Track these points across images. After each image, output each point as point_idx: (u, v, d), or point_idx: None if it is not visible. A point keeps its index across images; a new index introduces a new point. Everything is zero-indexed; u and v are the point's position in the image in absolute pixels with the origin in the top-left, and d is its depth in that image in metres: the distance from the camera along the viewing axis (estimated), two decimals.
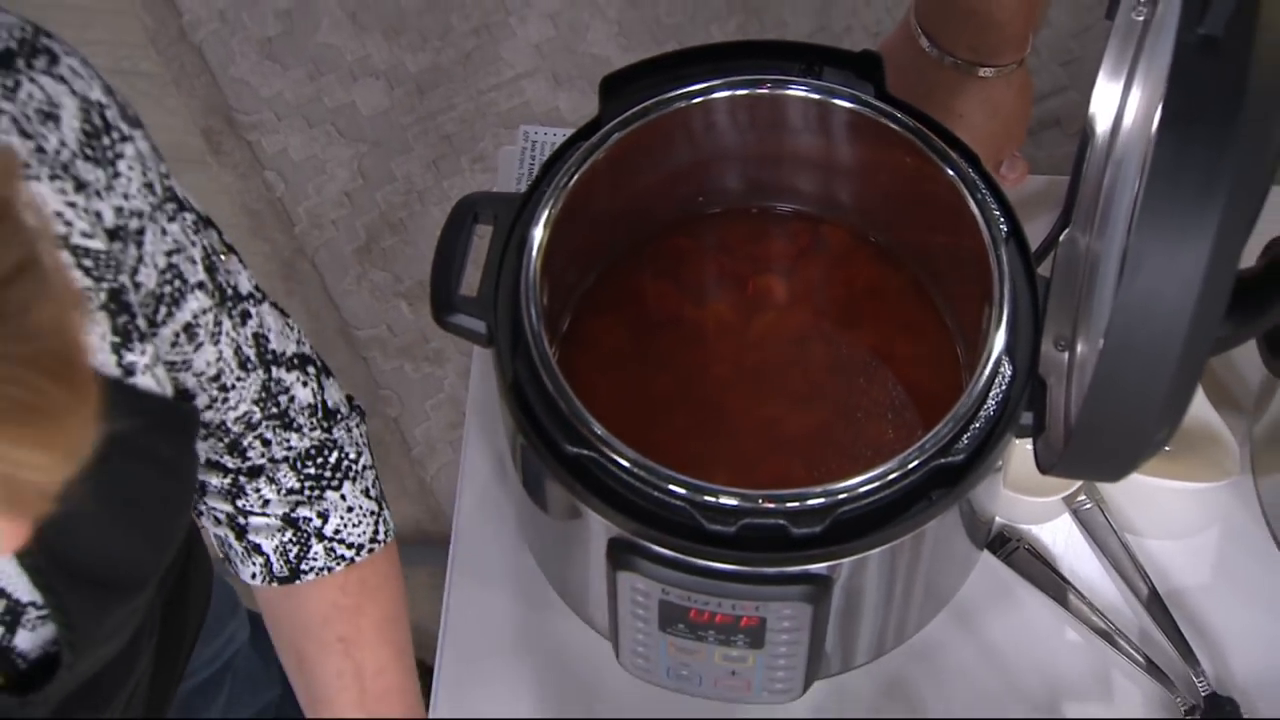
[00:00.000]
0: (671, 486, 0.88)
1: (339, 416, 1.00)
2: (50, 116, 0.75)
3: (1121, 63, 0.91)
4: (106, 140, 0.78)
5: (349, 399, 1.02)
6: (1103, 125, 0.93)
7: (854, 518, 0.89)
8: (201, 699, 1.36)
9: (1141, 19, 0.87)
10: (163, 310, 0.85)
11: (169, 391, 0.85)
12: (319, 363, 1.00)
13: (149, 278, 0.82)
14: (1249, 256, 0.86)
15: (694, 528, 0.89)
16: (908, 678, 1.06)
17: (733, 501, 0.88)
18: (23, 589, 0.82)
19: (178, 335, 0.87)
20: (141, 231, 0.81)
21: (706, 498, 0.88)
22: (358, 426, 1.02)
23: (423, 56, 2.23)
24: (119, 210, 0.79)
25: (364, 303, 2.10)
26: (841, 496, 0.88)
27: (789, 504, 0.88)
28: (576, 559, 1.00)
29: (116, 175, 0.78)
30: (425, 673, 1.10)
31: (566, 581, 1.06)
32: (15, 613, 0.82)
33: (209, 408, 0.93)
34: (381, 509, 1.02)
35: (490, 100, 2.21)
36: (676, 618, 0.92)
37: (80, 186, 0.76)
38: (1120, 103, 0.91)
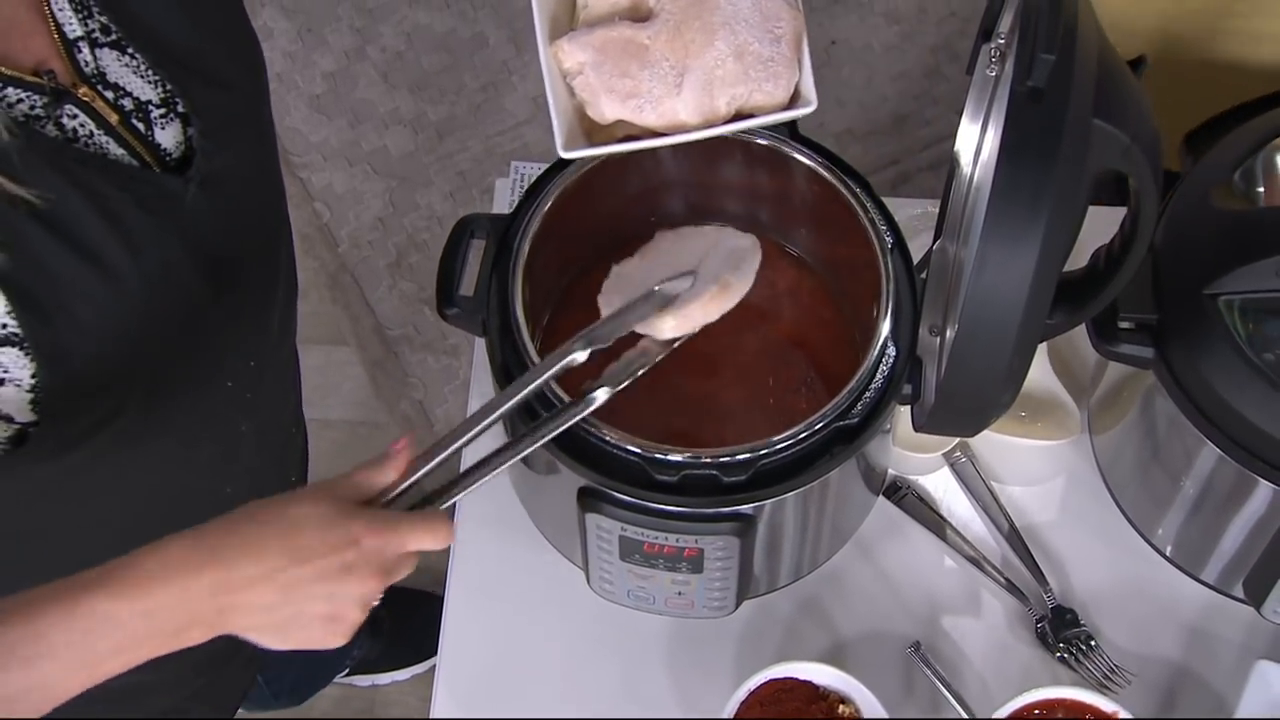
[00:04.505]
0: (628, 445, 0.89)
1: None
2: None
3: (979, 109, 0.92)
4: None
5: None
6: (966, 158, 0.94)
7: (772, 468, 0.90)
8: None
9: (993, 75, 0.88)
10: None
11: None
12: None
13: None
14: (1080, 262, 0.89)
15: (645, 478, 0.89)
16: (820, 597, 1.07)
17: (675, 456, 0.89)
18: (139, 87, 0.81)
19: None
20: None
21: (655, 454, 0.89)
22: None
23: (441, 108, 2.22)
24: None
25: (395, 307, 2.08)
26: (762, 452, 0.89)
27: (721, 458, 0.89)
28: (555, 506, 1.00)
29: None
30: (437, 601, 1.09)
31: (548, 525, 1.06)
32: (144, 110, 0.82)
33: None
34: None
35: (496, 143, 2.19)
36: (633, 550, 0.93)
37: None
38: (979, 140, 0.92)
